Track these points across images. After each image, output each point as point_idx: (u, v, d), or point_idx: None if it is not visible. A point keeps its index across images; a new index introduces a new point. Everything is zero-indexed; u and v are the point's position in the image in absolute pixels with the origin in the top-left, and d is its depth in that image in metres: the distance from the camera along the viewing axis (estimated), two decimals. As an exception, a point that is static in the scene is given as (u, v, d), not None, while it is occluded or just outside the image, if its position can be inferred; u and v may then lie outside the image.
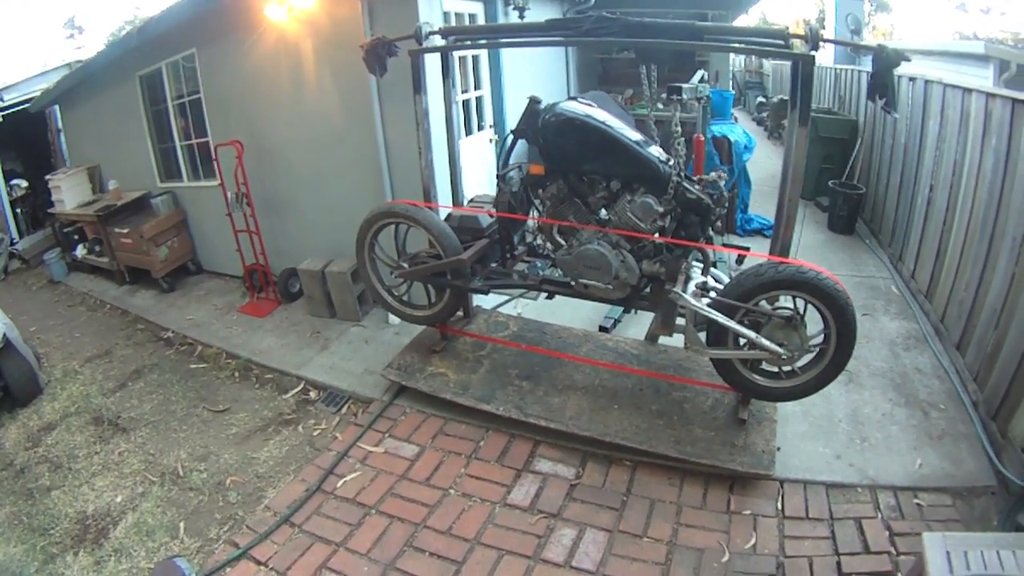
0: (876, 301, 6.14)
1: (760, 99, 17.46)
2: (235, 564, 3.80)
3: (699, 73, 7.11)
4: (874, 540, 3.51)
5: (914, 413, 4.52)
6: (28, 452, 5.49)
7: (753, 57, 18.37)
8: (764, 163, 11.34)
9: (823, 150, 9.07)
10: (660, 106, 6.86)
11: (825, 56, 16.88)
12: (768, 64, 19.09)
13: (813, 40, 3.65)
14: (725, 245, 4.44)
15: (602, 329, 5.74)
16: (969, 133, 5.11)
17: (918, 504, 3.73)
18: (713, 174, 4.18)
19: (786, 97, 13.45)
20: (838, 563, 3.41)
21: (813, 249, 7.57)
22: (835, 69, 10.96)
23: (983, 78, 8.61)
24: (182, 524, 4.32)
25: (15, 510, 4.78)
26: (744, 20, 12.98)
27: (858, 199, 8.16)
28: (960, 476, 3.91)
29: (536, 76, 8.88)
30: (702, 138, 6.28)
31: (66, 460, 5.27)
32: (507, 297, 6.46)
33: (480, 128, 7.56)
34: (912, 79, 6.57)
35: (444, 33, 4.88)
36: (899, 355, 5.24)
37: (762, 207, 8.68)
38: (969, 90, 5.20)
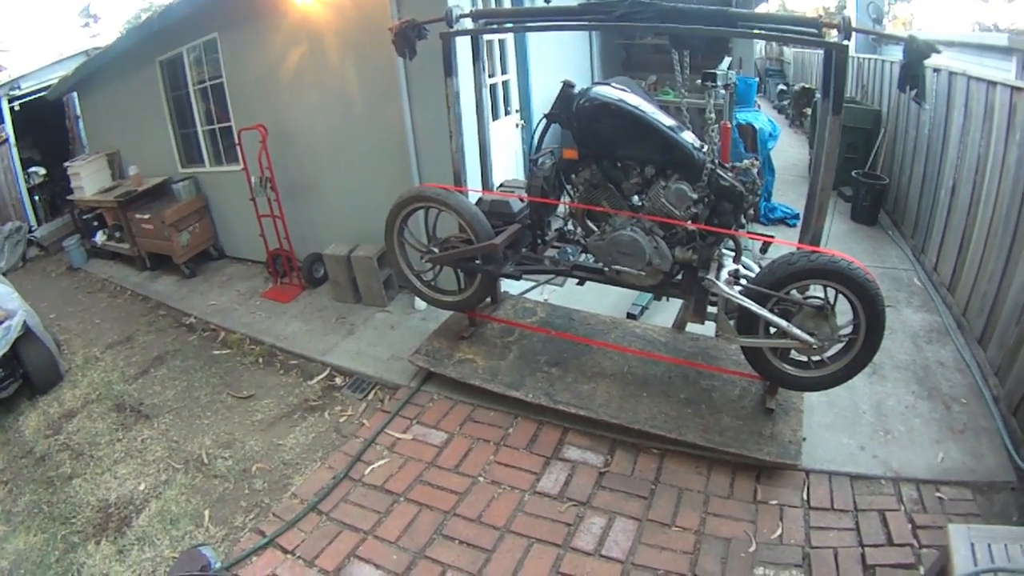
0: (899, 293, 6.08)
1: (781, 87, 17.27)
2: (261, 552, 3.81)
3: (727, 60, 7.05)
4: (897, 532, 3.52)
5: (936, 406, 4.50)
6: (48, 440, 5.50)
7: (774, 44, 18.18)
8: (786, 151, 11.29)
9: (846, 139, 8.87)
10: (684, 92, 6.82)
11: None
12: (789, 51, 18.91)
13: (846, 29, 3.64)
14: (750, 233, 4.40)
15: (630, 316, 5.72)
16: (993, 126, 5.04)
17: (939, 497, 3.74)
18: (746, 162, 4.20)
19: (807, 85, 13.37)
20: (862, 555, 3.41)
21: (836, 239, 7.45)
22: (858, 58, 10.80)
23: (1006, 70, 8.49)
24: (207, 512, 4.32)
25: (35, 498, 4.79)
26: (764, 8, 12.85)
27: (881, 189, 8.07)
28: (981, 471, 3.91)
29: (561, 61, 8.82)
30: (729, 125, 6.21)
31: (87, 447, 5.28)
32: (533, 283, 6.44)
33: (507, 113, 7.52)
34: (936, 70, 6.47)
35: (475, 16, 4.84)
36: (922, 348, 5.22)
37: (784, 196, 8.65)
38: (994, 83, 5.13)
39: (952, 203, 5.90)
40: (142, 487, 4.69)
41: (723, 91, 6.70)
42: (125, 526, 4.33)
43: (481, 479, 4.15)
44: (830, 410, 4.49)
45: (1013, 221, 4.50)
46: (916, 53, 3.56)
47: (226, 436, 5.12)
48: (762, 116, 8.41)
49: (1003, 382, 4.41)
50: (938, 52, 3.59)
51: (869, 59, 9.96)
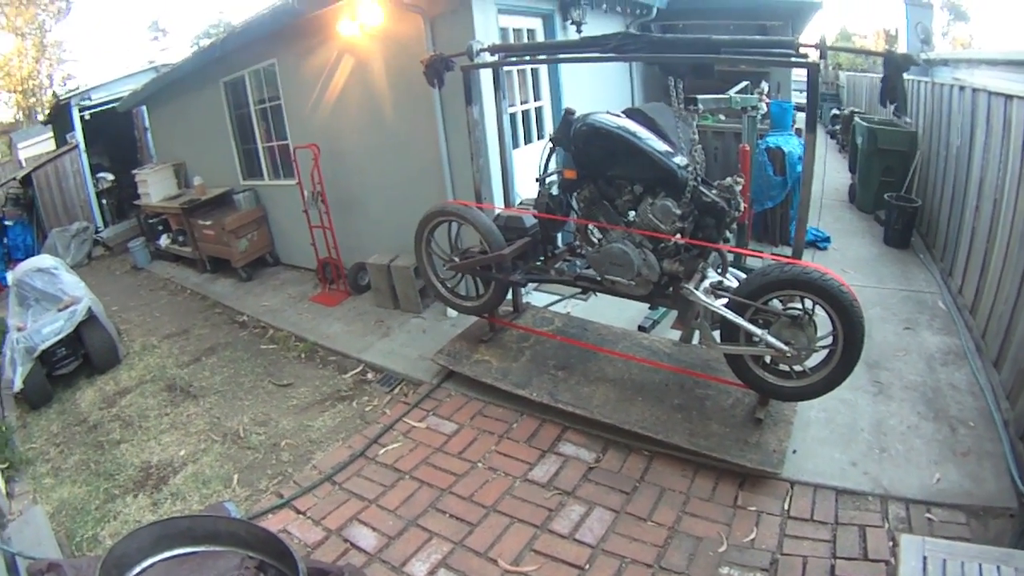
0: (920, 315, 6.03)
1: (834, 111, 17.17)
2: (277, 511, 4.24)
3: (740, 84, 7.26)
4: (875, 548, 3.48)
5: (941, 428, 4.39)
6: (102, 411, 6.14)
7: (830, 68, 18.02)
8: (831, 176, 11.16)
9: (883, 162, 8.95)
10: (720, 117, 7.01)
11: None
12: (844, 76, 18.76)
13: (821, 49, 3.83)
14: (731, 247, 4.61)
15: (641, 328, 5.95)
16: (1011, 142, 4.96)
17: (929, 518, 3.64)
18: (729, 179, 4.38)
19: (857, 109, 13.29)
20: (832, 566, 3.40)
21: (866, 262, 7.50)
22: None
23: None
24: (236, 476, 4.83)
25: (84, 458, 5.40)
26: (820, 29, 12.82)
27: (913, 212, 8.00)
28: (979, 495, 3.78)
29: (598, 88, 9.11)
30: (747, 147, 6.46)
31: (137, 419, 5.89)
32: (559, 297, 6.76)
33: (540, 137, 7.87)
34: (962, 88, 6.44)
35: (493, 50, 5.25)
36: (935, 370, 5.10)
37: (822, 220, 8.61)
38: (1011, 97, 5.05)
39: (975, 223, 5.84)
40: (182, 453, 5.25)
41: (743, 115, 6.93)
42: (162, 484, 4.89)
43: (480, 465, 4.48)
44: (827, 426, 4.49)
45: (1030, 239, 4.42)
46: (894, 67, 3.70)
47: (263, 416, 5.65)
48: (793, 140, 8.43)
49: (1014, 406, 4.26)
50: (917, 65, 3.68)
51: (910, 81, 9.69)
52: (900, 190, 8.58)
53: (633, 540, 3.72)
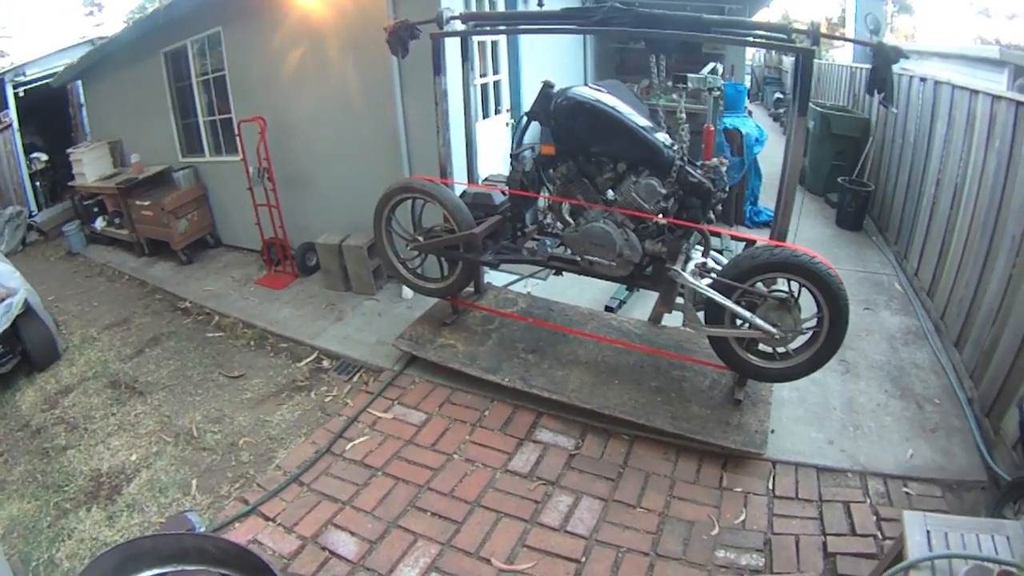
0: (879, 296, 6.20)
1: (778, 95, 17.40)
2: (244, 519, 3.95)
3: (710, 65, 7.23)
4: (861, 523, 3.59)
5: (909, 406, 4.58)
6: (45, 414, 5.64)
7: (773, 53, 18.31)
8: (777, 158, 11.08)
9: (835, 147, 9.14)
10: (673, 96, 6.97)
11: (844, 55, 16.84)
12: (788, 60, 18.99)
13: (813, 35, 3.82)
14: (714, 228, 4.55)
15: (607, 309, 5.89)
16: (974, 135, 5.14)
17: (907, 492, 3.80)
18: (715, 160, 4.33)
19: (803, 93, 13.42)
20: (824, 543, 3.49)
21: (820, 243, 7.59)
22: (851, 67, 10.95)
23: (997, 82, 8.60)
24: (194, 481, 4.47)
25: (30, 468, 4.93)
26: (766, 15, 12.99)
27: (866, 196, 8.21)
28: (951, 469, 3.96)
29: (554, 63, 8.99)
30: (712, 128, 6.41)
31: (82, 421, 5.43)
32: (518, 276, 6.62)
33: (497, 111, 7.71)
34: (923, 80, 6.59)
35: (464, 18, 5.04)
36: (898, 349, 5.31)
37: (772, 200, 8.67)
38: (976, 92, 5.25)
39: (933, 210, 5.99)
40: (133, 458, 4.84)
41: (708, 95, 6.87)
42: (116, 494, 4.47)
43: (456, 457, 4.30)
44: (800, 405, 4.59)
45: (990, 228, 4.61)
46: (884, 58, 3.71)
47: (216, 412, 5.28)
48: (749, 122, 8.53)
49: (977, 384, 4.48)
50: (906, 58, 3.71)
51: (862, 68, 10.02)
52: (852, 174, 8.79)
53: (626, 528, 3.68)
